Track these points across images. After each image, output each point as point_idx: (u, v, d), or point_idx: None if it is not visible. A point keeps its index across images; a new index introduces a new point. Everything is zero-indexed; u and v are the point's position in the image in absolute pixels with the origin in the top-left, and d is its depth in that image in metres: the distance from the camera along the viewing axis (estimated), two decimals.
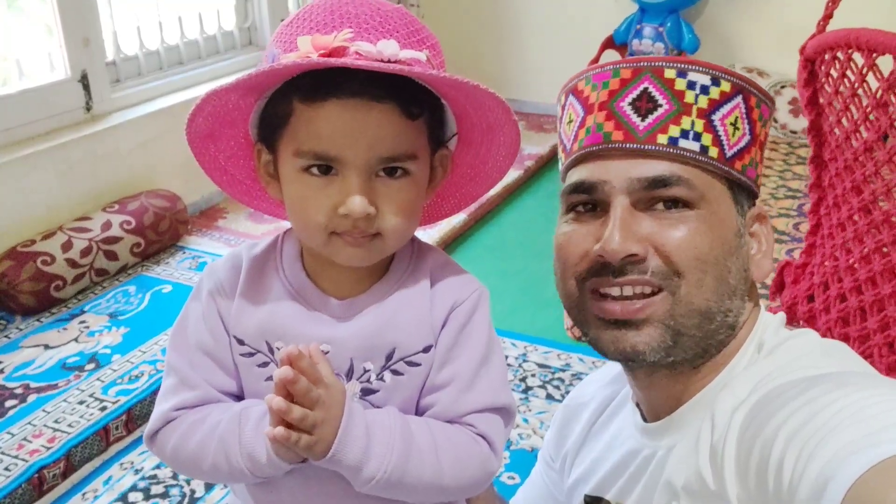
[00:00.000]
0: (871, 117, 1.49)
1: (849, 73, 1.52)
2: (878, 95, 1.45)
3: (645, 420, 0.87)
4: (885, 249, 1.50)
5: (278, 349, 0.83)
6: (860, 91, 1.50)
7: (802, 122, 3.70)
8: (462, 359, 0.82)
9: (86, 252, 2.49)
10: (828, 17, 1.66)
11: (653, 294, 0.77)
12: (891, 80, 1.40)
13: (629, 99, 0.79)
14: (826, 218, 1.72)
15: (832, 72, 1.57)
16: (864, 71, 1.47)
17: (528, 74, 4.34)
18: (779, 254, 2.78)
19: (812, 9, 1.71)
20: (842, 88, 1.56)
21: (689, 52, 3.74)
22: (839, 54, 1.52)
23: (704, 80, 0.79)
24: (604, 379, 1.02)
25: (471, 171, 0.90)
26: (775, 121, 3.82)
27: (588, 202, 0.82)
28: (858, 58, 1.47)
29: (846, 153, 1.58)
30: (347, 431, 0.75)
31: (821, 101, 1.65)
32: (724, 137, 0.79)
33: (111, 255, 2.57)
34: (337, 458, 0.75)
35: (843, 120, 1.58)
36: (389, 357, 0.82)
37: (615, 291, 0.78)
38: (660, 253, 0.77)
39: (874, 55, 1.42)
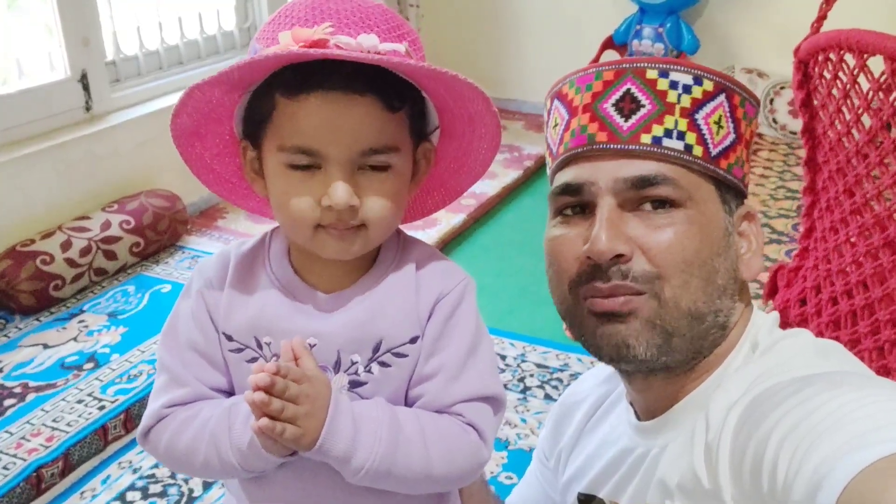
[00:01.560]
0: (864, 119, 1.49)
1: (841, 74, 1.52)
2: (869, 97, 1.45)
3: (638, 418, 0.87)
4: (880, 255, 1.50)
5: (267, 344, 0.84)
6: (852, 93, 1.50)
7: (801, 126, 3.71)
8: (449, 349, 0.83)
9: (85, 251, 2.50)
10: (821, 18, 1.65)
11: (636, 294, 0.77)
12: (881, 82, 1.40)
13: (612, 100, 0.80)
14: (819, 221, 1.71)
15: (825, 73, 1.56)
16: (856, 72, 1.46)
17: (527, 74, 4.34)
18: (778, 254, 2.78)
19: (811, 10, 1.70)
20: (834, 91, 1.55)
21: (689, 53, 3.74)
22: (831, 55, 1.52)
23: (686, 79, 0.79)
24: (599, 377, 1.02)
25: (455, 163, 0.91)
26: (774, 121, 3.83)
27: (576, 204, 0.82)
28: (850, 59, 1.47)
29: (839, 155, 1.57)
30: (334, 422, 0.76)
31: (815, 103, 1.65)
32: (708, 136, 0.79)
33: (110, 255, 2.58)
34: (325, 450, 0.76)
35: (836, 122, 1.58)
36: (376, 349, 0.82)
37: (605, 294, 0.78)
38: (646, 255, 0.77)
39: (865, 56, 1.42)
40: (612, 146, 0.79)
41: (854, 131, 1.52)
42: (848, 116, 1.54)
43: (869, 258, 1.52)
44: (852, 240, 1.57)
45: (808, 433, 0.60)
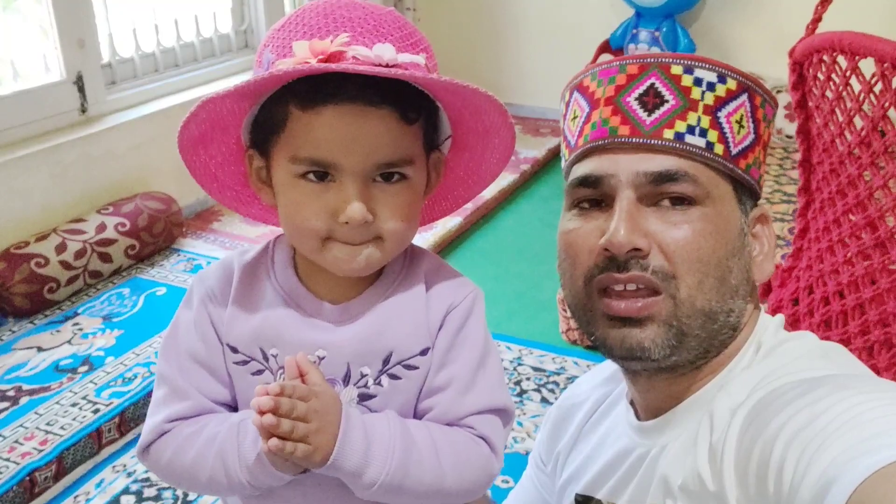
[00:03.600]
0: (856, 120, 1.49)
1: (834, 76, 1.52)
2: (861, 99, 1.46)
3: (638, 418, 0.87)
4: (871, 255, 1.50)
5: (273, 356, 0.82)
6: (844, 94, 1.51)
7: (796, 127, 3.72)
8: (460, 361, 0.82)
9: (80, 254, 2.48)
10: (817, 20, 1.66)
11: (653, 294, 0.77)
12: (872, 84, 1.40)
13: (636, 94, 0.79)
14: (813, 221, 1.72)
15: (819, 75, 1.57)
16: (848, 74, 1.47)
17: (525, 78, 4.35)
18: (775, 258, 2.79)
19: (807, 14, 1.70)
20: (828, 92, 1.56)
21: None
22: (825, 57, 1.52)
23: (711, 77, 0.79)
24: (596, 379, 1.01)
25: (464, 174, 0.90)
26: None
27: (593, 197, 0.81)
28: (843, 61, 1.48)
29: (832, 157, 1.58)
30: (346, 437, 0.74)
31: (809, 104, 1.65)
32: (729, 135, 0.79)
33: (105, 258, 2.57)
34: (337, 465, 0.74)
35: (830, 123, 1.58)
36: (387, 361, 0.81)
37: (619, 287, 0.78)
38: (663, 252, 0.76)
39: (857, 58, 1.42)
40: (633, 140, 0.78)
41: (846, 133, 1.53)
42: (840, 118, 1.54)
43: (860, 258, 1.52)
44: (845, 240, 1.58)
45: (816, 436, 0.59)
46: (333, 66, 0.71)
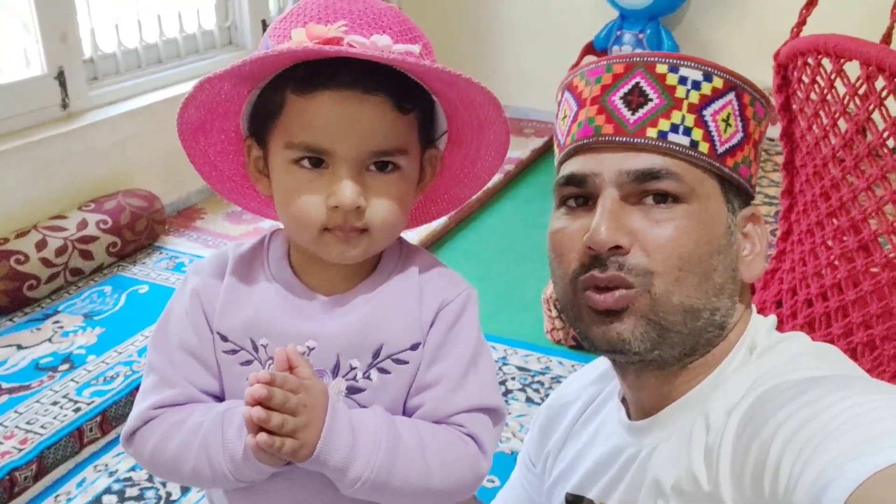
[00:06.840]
0: (840, 123, 1.51)
1: (819, 79, 1.54)
2: (845, 102, 1.47)
3: (630, 418, 0.87)
4: (854, 258, 1.51)
5: (263, 346, 0.82)
6: (829, 97, 1.52)
7: (779, 130, 3.75)
8: (451, 358, 0.82)
9: (61, 251, 2.46)
10: (801, 23, 1.67)
11: (628, 288, 0.77)
12: (857, 87, 1.42)
13: (621, 93, 0.80)
14: (796, 224, 1.73)
15: (804, 77, 1.58)
16: (833, 77, 1.48)
17: (509, 79, 4.35)
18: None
19: (791, 17, 1.72)
20: (812, 95, 1.57)
21: None
22: (810, 60, 1.53)
23: (696, 75, 0.79)
24: (587, 378, 1.02)
25: (460, 172, 0.90)
26: None
27: (579, 195, 0.82)
28: (828, 64, 1.49)
29: (816, 159, 1.59)
30: (331, 432, 0.74)
31: (793, 106, 1.67)
32: (715, 133, 0.79)
33: (87, 255, 2.54)
34: (322, 460, 0.74)
35: (814, 126, 1.59)
36: (376, 354, 0.81)
37: (602, 284, 0.78)
38: (644, 249, 0.77)
39: (842, 61, 1.43)
40: (617, 138, 0.79)
41: (831, 135, 1.54)
42: (825, 121, 1.56)
43: (843, 261, 1.54)
44: (828, 242, 1.59)
45: (814, 436, 0.59)
46: (327, 49, 0.72)
